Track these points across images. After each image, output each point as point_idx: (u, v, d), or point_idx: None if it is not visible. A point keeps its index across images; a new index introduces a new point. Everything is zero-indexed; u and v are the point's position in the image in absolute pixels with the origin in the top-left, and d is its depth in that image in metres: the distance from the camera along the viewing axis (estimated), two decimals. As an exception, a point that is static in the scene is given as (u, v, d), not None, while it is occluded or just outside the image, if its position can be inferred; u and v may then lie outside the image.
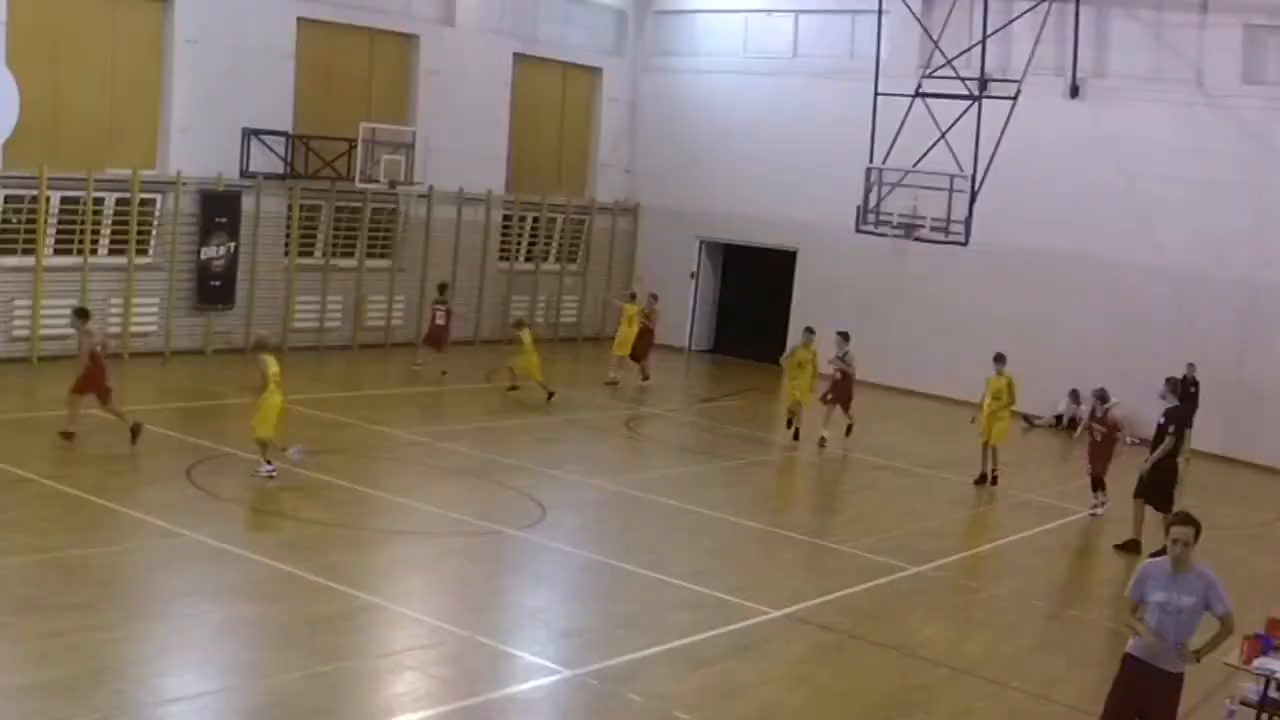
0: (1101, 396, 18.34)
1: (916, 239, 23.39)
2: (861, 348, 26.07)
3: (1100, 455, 18.19)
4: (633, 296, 25.74)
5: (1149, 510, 16.18)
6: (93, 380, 16.46)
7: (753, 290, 30.32)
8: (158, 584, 11.62)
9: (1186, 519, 8.52)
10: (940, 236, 22.72)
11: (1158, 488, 16.32)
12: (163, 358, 22.95)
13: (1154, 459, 16.36)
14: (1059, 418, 25.03)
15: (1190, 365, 22.50)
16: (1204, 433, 23.32)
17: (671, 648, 11.22)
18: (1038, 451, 23.27)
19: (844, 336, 21.59)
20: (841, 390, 21.14)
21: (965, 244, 22.53)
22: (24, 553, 11.79)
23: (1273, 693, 10.04)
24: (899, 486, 19.05)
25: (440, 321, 24.20)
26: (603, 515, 15.85)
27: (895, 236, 23.70)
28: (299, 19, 24.49)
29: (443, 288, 24.63)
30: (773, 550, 14.90)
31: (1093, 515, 18.09)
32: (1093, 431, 18.39)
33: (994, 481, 19.26)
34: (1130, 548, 16.29)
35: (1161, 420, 16.55)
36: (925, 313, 26.76)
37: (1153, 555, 10.22)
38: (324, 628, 10.81)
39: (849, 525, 16.17)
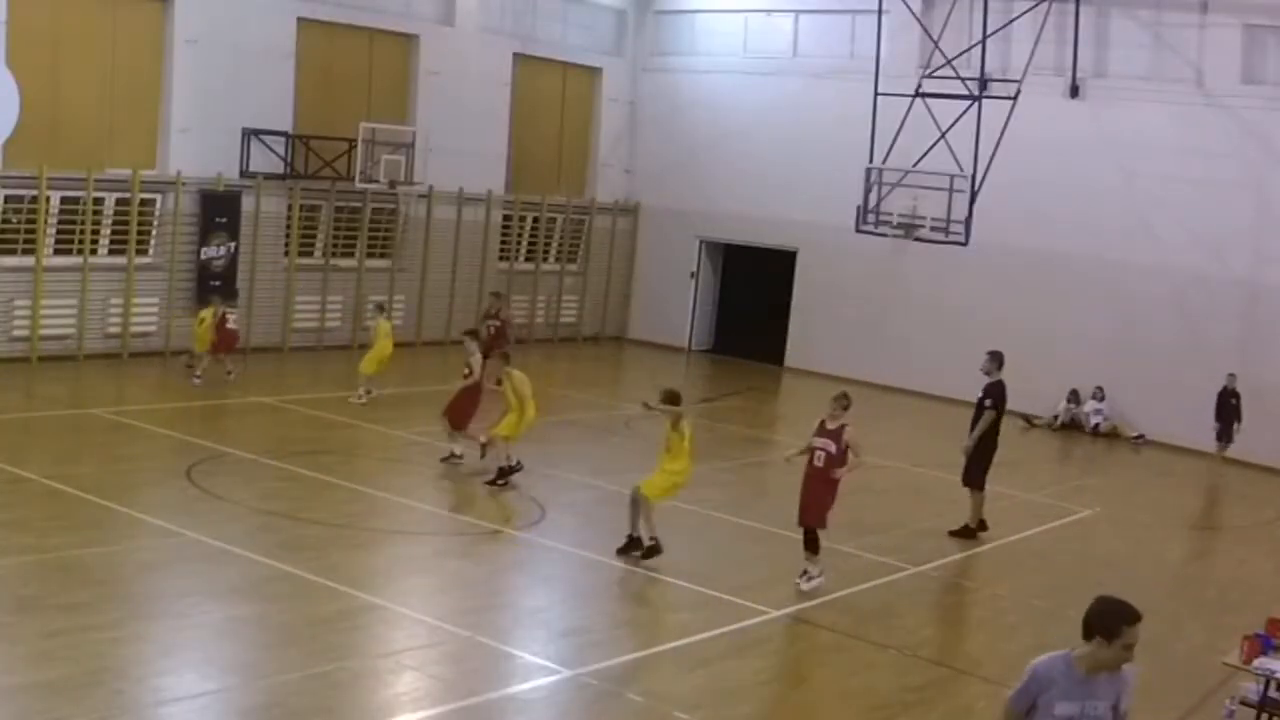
0: (842, 400, 13.25)
1: (916, 239, 23.39)
2: (861, 347, 26.17)
3: (822, 491, 13.05)
4: (380, 308, 22.49)
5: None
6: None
7: (753, 290, 30.32)
8: (158, 584, 11.62)
9: (1140, 616, 6.15)
10: (940, 236, 22.72)
11: (976, 463, 15.96)
12: (163, 358, 22.94)
13: (975, 435, 15.82)
14: (1058, 418, 25.05)
15: (1231, 376, 22.20)
16: (1204, 433, 23.38)
17: (671, 648, 11.22)
18: (1038, 452, 23.26)
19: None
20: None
21: (965, 244, 22.53)
22: (24, 553, 11.79)
23: (1273, 693, 10.04)
24: (898, 486, 19.04)
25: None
26: (603, 515, 15.84)
27: (895, 236, 23.69)
28: (299, 19, 24.49)
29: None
30: (773, 550, 14.88)
31: (806, 585, 13.07)
32: (813, 454, 13.09)
33: (645, 554, 13.48)
34: (969, 533, 16.02)
35: (980, 394, 16.00)
36: (925, 313, 26.76)
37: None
38: (324, 628, 10.80)
39: (849, 525, 16.12)
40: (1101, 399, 25.02)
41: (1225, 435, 22.18)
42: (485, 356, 21.78)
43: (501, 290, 26.09)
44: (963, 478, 16.20)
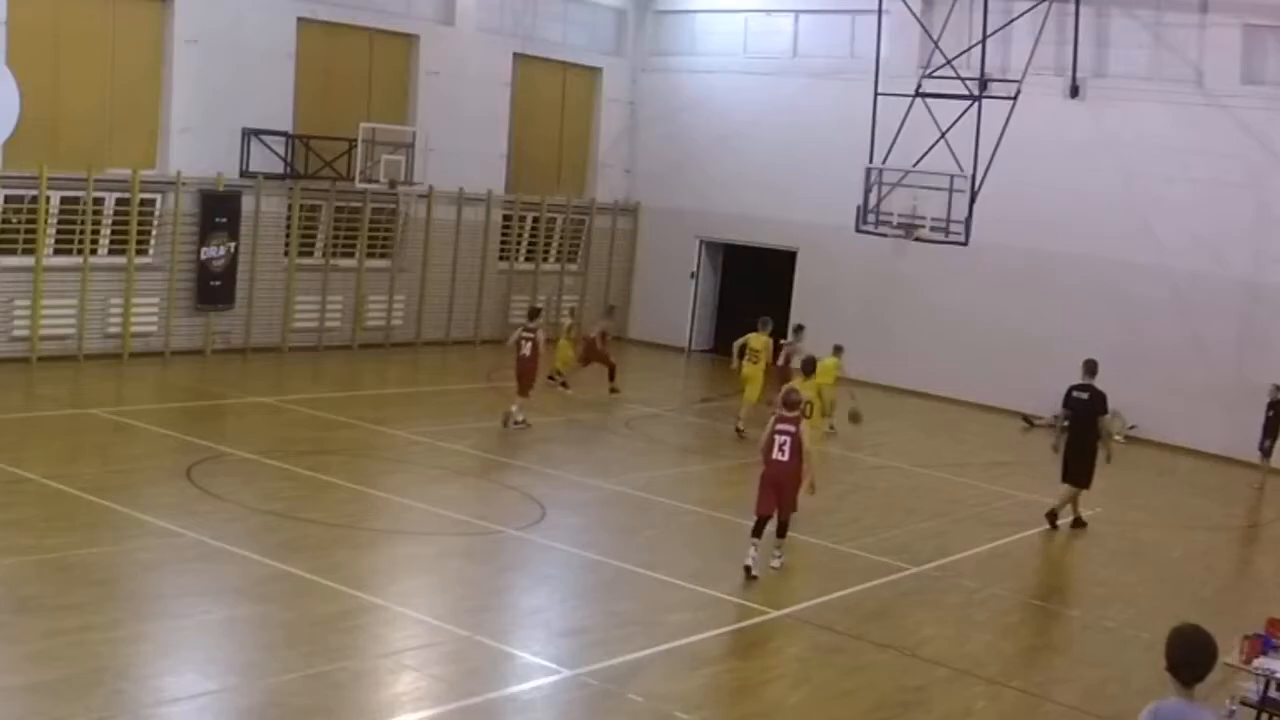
0: (788, 403, 13.58)
1: (916, 239, 23.37)
2: (861, 348, 26.16)
3: (788, 482, 13.51)
4: (611, 310, 24.51)
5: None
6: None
7: (753, 290, 30.30)
8: (158, 584, 11.62)
9: None
10: (940, 236, 22.70)
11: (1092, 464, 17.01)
12: (163, 358, 22.95)
13: (1107, 446, 17.00)
14: (1058, 418, 24.99)
15: (1275, 388, 21.66)
16: (1205, 433, 23.41)
17: (671, 648, 11.21)
18: (1038, 451, 23.24)
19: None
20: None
21: (965, 244, 22.50)
22: (24, 553, 11.78)
23: (1273, 693, 10.03)
24: (899, 486, 19.05)
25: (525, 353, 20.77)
26: (603, 515, 15.85)
27: (895, 236, 23.68)
28: (299, 19, 24.49)
29: (533, 313, 20.93)
30: (773, 550, 14.88)
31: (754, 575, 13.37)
32: (771, 438, 13.48)
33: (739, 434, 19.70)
34: (1081, 524, 17.16)
35: (1086, 399, 16.88)
36: (925, 313, 26.75)
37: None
38: (324, 628, 10.80)
39: (849, 525, 16.17)
40: None
41: (1262, 446, 21.61)
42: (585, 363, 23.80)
43: (616, 305, 26.98)
44: (1084, 480, 16.95)
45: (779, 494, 13.48)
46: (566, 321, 24.65)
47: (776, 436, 13.41)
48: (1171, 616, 13.45)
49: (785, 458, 13.36)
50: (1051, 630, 13.20)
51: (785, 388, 14.83)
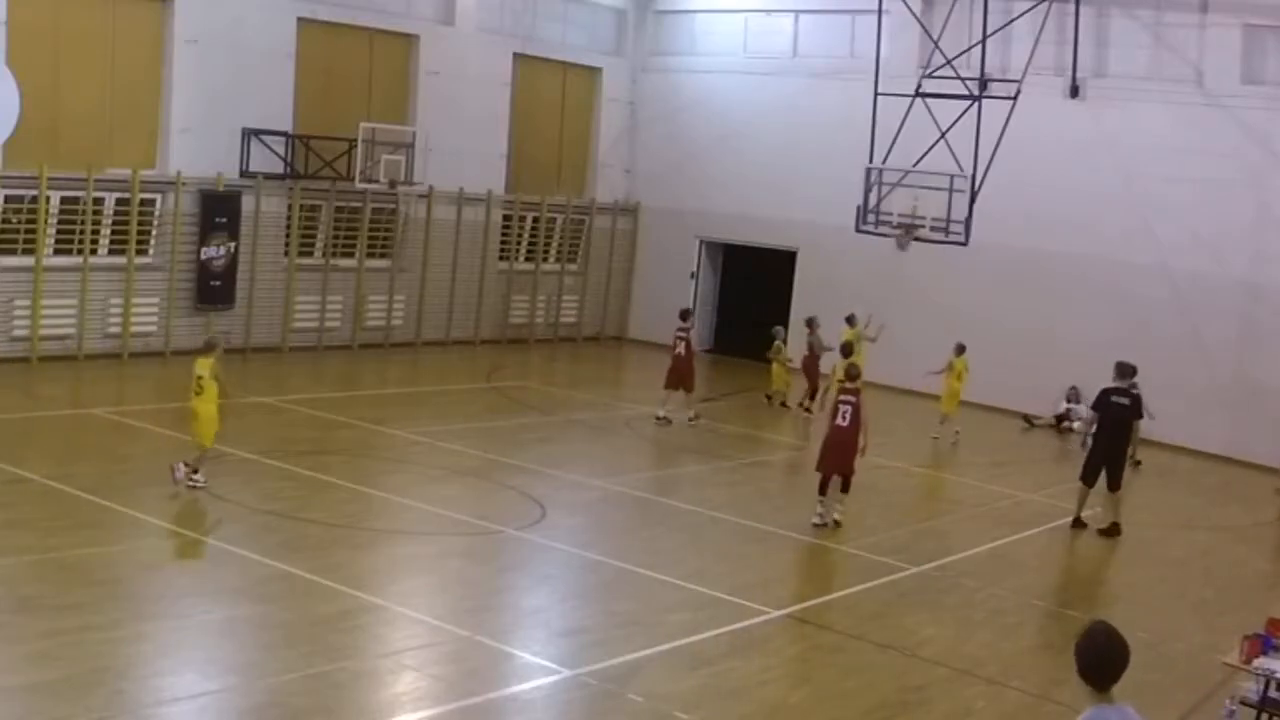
0: (851, 375, 16.10)
1: (916, 239, 23.34)
2: (861, 347, 26.23)
3: (848, 445, 15.66)
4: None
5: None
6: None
7: (753, 290, 30.31)
8: (158, 584, 11.62)
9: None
10: (940, 236, 22.69)
11: (1123, 468, 17.13)
12: (163, 358, 22.94)
13: (1134, 446, 17.35)
14: (1059, 418, 25.03)
15: None
16: (1205, 433, 23.41)
17: (671, 648, 11.21)
18: (1038, 451, 23.28)
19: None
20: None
21: (965, 244, 22.49)
22: (24, 553, 11.78)
23: (1273, 693, 10.03)
24: (899, 486, 19.05)
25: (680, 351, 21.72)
26: (603, 515, 15.84)
27: (895, 236, 23.66)
28: (299, 19, 24.49)
29: (684, 314, 22.29)
30: (773, 550, 14.90)
31: (822, 524, 15.77)
32: (836, 406, 15.82)
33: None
34: (1081, 525, 17.15)
35: (1127, 403, 16.87)
36: (925, 313, 26.72)
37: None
38: (324, 628, 10.80)
39: (849, 525, 16.16)
40: (1077, 401, 24.96)
41: None
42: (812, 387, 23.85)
43: (815, 316, 25.45)
44: (1117, 483, 16.93)
45: (842, 455, 15.48)
46: (777, 343, 24.59)
47: (840, 405, 15.55)
48: (1171, 616, 13.52)
49: (846, 423, 15.44)
50: (1051, 630, 13.19)
51: (847, 362, 17.12)
